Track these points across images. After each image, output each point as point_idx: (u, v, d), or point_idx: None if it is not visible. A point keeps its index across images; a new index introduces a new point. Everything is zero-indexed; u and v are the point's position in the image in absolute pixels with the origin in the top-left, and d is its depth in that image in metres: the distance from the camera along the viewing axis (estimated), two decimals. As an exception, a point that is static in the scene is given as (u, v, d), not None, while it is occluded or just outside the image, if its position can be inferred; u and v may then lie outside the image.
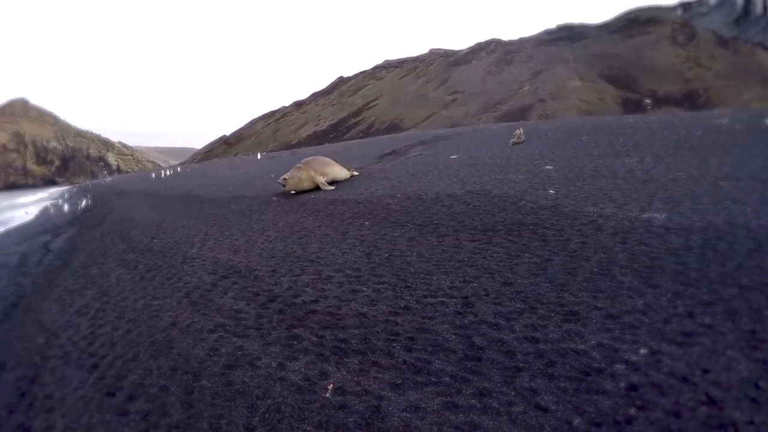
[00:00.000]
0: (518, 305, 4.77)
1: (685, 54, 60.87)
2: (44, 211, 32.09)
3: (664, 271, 5.22)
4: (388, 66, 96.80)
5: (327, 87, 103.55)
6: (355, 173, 15.96)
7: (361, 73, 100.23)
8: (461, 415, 3.39)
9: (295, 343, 4.78)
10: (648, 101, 52.96)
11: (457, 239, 7.30)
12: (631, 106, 52.51)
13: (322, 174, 14.26)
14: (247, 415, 3.78)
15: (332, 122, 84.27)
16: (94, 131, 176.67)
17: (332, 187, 13.97)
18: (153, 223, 14.49)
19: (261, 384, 4.15)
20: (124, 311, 7.16)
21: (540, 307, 4.67)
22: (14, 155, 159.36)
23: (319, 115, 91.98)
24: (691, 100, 52.22)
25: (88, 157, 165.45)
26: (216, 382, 4.37)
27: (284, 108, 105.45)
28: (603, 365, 3.72)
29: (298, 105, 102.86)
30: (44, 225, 24.53)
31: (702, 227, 6.50)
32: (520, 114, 54.85)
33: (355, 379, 3.96)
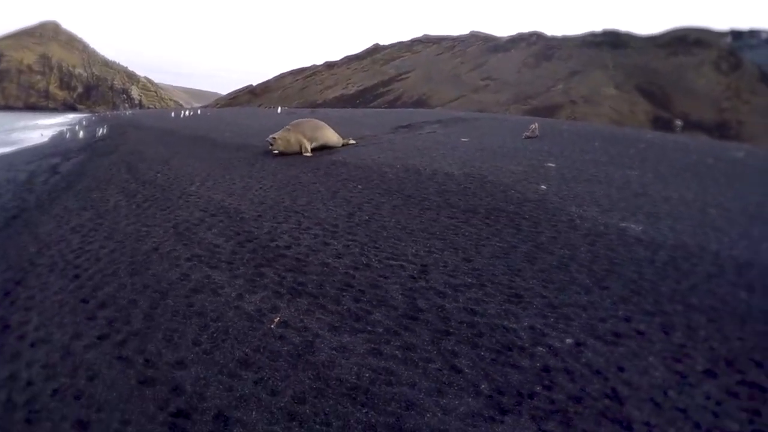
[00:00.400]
0: (470, 280, 5.17)
1: (726, 83, 59.89)
2: (59, 135, 32.69)
3: (619, 276, 5.56)
4: (426, 41, 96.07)
5: (361, 52, 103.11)
6: (351, 142, 15.75)
7: (398, 43, 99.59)
8: (382, 362, 3.81)
9: (258, 279, 5.27)
10: (678, 123, 52.42)
11: (437, 214, 7.74)
12: (661, 124, 51.99)
13: (312, 139, 14.08)
14: (198, 332, 4.26)
15: (360, 88, 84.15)
16: (121, 62, 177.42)
17: (309, 154, 13.71)
18: (161, 158, 14.97)
19: (217, 309, 4.62)
20: (114, 233, 7.66)
21: (489, 286, 5.06)
22: (38, 77, 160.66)
23: (349, 79, 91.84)
24: (722, 130, 51.56)
25: (111, 87, 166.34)
26: (179, 302, 4.85)
27: (315, 66, 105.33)
28: (527, 345, 4.10)
29: (329, 66, 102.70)
30: (57, 148, 25.12)
31: (673, 245, 6.80)
32: (548, 111, 54.52)
33: (300, 317, 4.42)
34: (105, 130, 29.40)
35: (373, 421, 3.20)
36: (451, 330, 4.24)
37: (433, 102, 67.90)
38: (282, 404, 3.36)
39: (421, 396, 3.46)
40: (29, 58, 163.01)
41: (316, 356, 3.84)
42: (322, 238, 6.57)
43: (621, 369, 3.86)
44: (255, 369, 3.74)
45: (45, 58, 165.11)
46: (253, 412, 3.28)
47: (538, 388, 3.61)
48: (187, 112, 58.22)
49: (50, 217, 9.57)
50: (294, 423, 3.18)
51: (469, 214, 7.78)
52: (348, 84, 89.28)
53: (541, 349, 4.06)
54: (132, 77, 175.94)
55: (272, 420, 3.21)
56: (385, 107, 63.97)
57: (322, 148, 14.38)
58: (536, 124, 18.83)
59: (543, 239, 6.64)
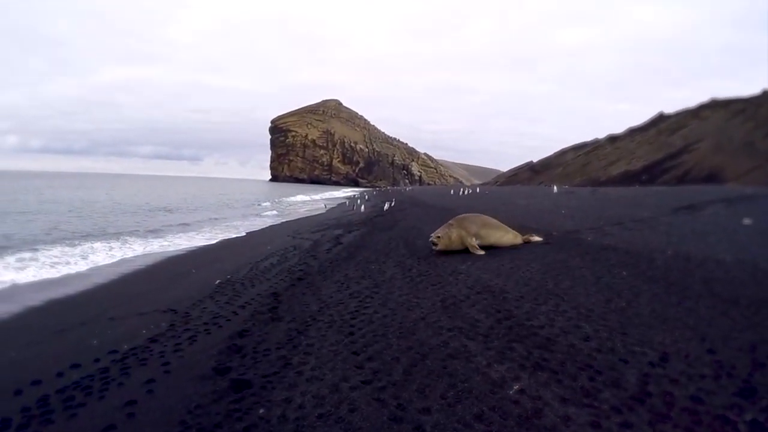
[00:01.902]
0: (707, 371, 5.33)
1: None
2: (341, 208, 38.27)
3: None
4: (713, 105, 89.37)
5: (645, 123, 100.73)
6: (536, 239, 14.88)
7: (683, 111, 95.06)
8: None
9: (508, 352, 6.20)
10: None
11: (696, 303, 7.89)
12: None
13: (476, 236, 13.66)
14: (446, 389, 5.31)
15: (646, 163, 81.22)
16: (401, 138, 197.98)
17: (482, 252, 13.30)
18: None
19: (467, 373, 5.64)
20: (388, 301, 9.30)
21: (724, 378, 5.10)
22: (322, 151, 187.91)
23: (633, 153, 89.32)
24: None
25: (392, 163, 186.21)
26: (436, 363, 5.99)
27: (597, 141, 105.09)
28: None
29: (612, 139, 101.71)
30: (340, 220, 29.62)
31: None
32: None
33: (537, 387, 5.21)
34: (385, 206, 33.52)
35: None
36: (673, 415, 4.58)
37: (726, 175, 62.20)
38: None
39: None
40: (313, 133, 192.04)
41: (541, 420, 4.56)
42: (576, 321, 7.23)
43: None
44: (487, 423, 4.61)
45: (328, 134, 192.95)
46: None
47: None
48: (466, 191, 62.61)
49: (331, 282, 11.74)
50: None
51: (729, 304, 7.78)
52: (632, 159, 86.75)
53: None
54: (412, 153, 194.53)
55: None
56: (673, 183, 60.81)
57: (491, 247, 13.88)
58: None
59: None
